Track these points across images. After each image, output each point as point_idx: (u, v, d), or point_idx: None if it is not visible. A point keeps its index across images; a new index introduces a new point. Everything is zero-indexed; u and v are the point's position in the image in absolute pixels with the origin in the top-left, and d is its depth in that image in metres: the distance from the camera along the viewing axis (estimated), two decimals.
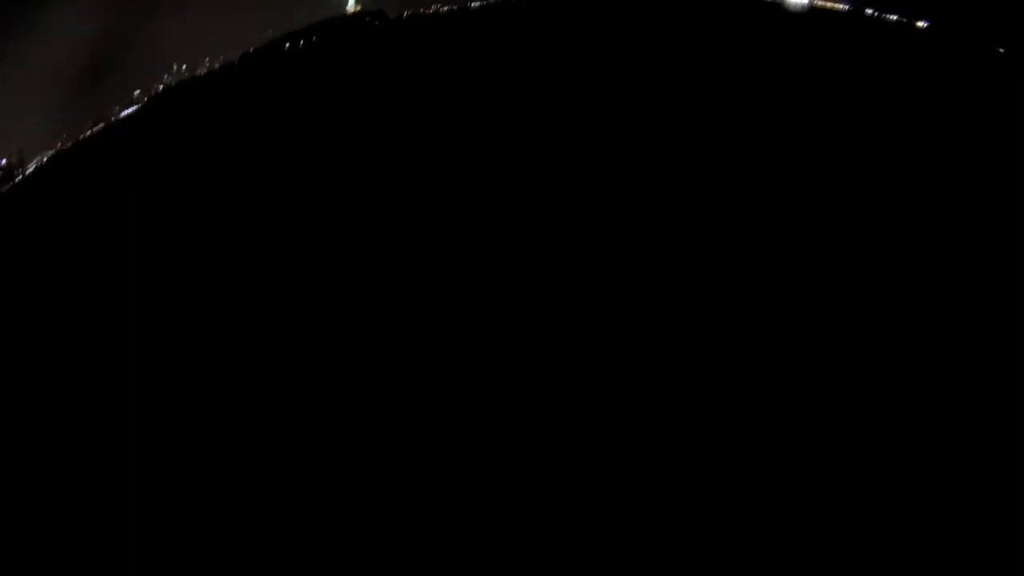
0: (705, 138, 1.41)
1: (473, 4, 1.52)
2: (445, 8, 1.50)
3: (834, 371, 1.24)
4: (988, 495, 1.11)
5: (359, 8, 1.49)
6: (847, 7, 1.55)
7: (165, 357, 1.29)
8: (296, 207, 1.37)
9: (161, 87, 1.58)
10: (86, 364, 1.28)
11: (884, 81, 1.48)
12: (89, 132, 1.55)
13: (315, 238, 1.35)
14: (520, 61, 1.46)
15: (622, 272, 1.31)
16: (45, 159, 1.44)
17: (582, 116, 1.38)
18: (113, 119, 1.55)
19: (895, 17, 1.56)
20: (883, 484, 1.12)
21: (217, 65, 1.57)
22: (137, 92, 1.62)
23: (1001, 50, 1.49)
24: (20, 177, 1.43)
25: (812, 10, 1.58)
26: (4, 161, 1.45)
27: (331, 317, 1.30)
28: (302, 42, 1.54)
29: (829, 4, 1.56)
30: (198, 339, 1.30)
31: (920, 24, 1.56)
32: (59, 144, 1.47)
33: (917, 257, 1.30)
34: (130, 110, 1.60)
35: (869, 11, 1.56)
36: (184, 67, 1.57)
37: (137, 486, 1.16)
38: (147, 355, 1.27)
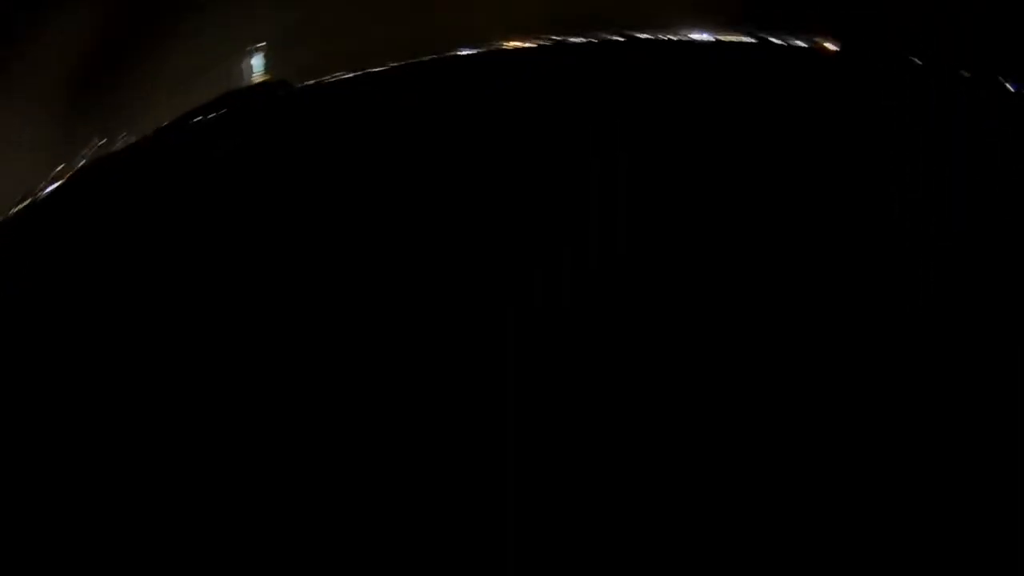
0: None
1: (376, 70, 1.53)
2: (347, 75, 1.51)
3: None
4: (988, 495, 1.13)
5: (265, 77, 1.50)
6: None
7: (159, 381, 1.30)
8: (210, 279, 1.39)
9: (80, 164, 1.59)
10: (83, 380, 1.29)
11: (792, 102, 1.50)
12: (17, 207, 1.56)
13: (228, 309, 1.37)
14: (432, 120, 1.48)
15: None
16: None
17: (489, 184, 1.40)
18: (37, 193, 1.56)
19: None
20: (883, 484, 1.14)
21: (132, 139, 1.58)
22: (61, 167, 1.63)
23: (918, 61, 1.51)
24: None
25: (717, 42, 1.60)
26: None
27: None
28: (212, 114, 1.55)
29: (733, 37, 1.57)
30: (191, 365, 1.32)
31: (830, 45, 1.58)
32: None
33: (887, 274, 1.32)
34: (52, 186, 1.61)
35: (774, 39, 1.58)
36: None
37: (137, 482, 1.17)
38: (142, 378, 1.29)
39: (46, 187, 1.61)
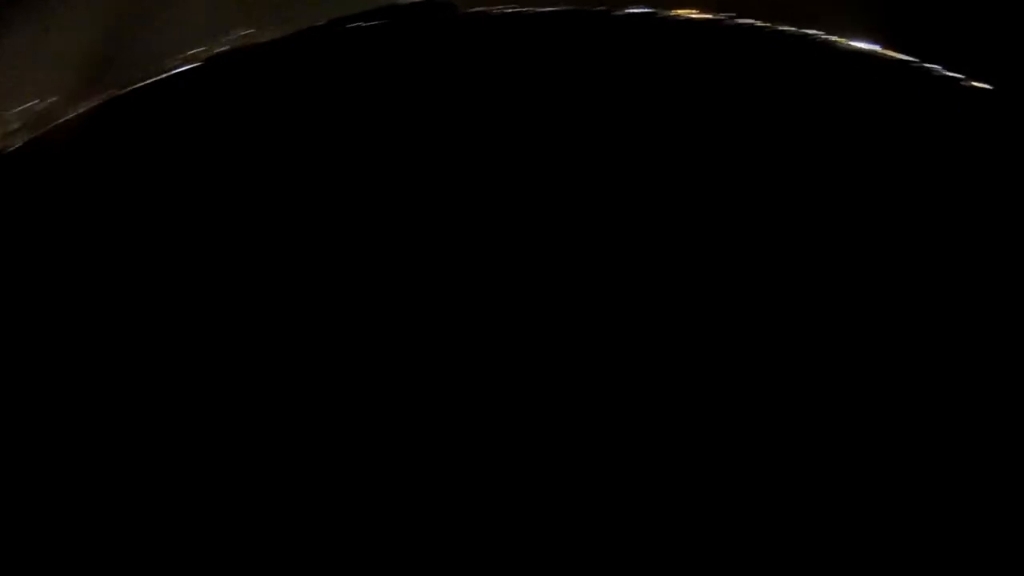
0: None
1: (543, 9, 1.52)
2: (513, 9, 1.50)
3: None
4: (988, 495, 1.13)
5: None
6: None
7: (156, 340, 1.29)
8: (328, 191, 1.38)
9: (224, 49, 1.58)
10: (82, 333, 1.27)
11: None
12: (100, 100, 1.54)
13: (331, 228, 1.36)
14: (581, 67, 1.47)
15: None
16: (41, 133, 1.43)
17: (631, 127, 1.39)
18: (127, 90, 1.55)
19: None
20: (883, 484, 1.13)
21: (276, 36, 1.56)
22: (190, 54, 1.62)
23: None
24: (10, 151, 1.42)
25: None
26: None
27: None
28: (367, 23, 1.54)
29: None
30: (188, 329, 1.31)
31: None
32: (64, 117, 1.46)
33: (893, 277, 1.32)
34: (188, 66, 1.60)
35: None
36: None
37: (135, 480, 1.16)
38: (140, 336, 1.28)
39: (181, 65, 1.60)
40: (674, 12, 1.48)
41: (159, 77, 1.50)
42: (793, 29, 1.50)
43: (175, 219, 1.36)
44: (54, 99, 1.49)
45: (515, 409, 1.19)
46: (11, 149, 1.44)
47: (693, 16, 1.49)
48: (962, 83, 1.51)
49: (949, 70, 1.51)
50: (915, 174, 1.43)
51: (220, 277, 1.33)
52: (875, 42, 1.56)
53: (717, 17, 1.49)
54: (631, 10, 1.48)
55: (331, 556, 1.13)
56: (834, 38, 1.53)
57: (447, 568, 1.12)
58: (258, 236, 1.34)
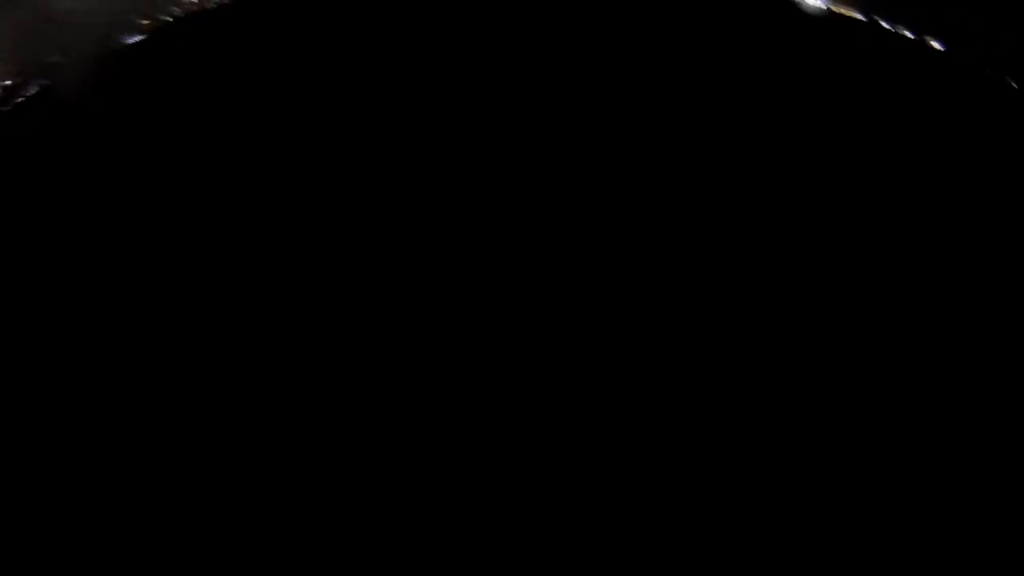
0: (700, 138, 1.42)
1: None
2: None
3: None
4: (988, 495, 1.14)
5: None
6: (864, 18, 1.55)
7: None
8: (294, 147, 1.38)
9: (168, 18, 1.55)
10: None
11: (891, 95, 1.49)
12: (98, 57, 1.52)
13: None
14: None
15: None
16: (47, 83, 1.41)
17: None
18: (117, 47, 1.52)
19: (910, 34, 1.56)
20: (883, 484, 1.14)
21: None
22: (144, 21, 1.60)
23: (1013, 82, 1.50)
24: (21, 100, 1.40)
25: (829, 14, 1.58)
26: (8, 83, 1.42)
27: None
28: None
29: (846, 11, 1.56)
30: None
31: (935, 44, 1.57)
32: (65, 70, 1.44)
33: (912, 266, 1.32)
34: (135, 39, 1.58)
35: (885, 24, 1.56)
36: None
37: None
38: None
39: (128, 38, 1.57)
40: None
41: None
42: None
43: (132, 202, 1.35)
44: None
45: (513, 406, 1.20)
46: None
47: None
48: (914, 42, 1.52)
49: (901, 29, 1.52)
50: (868, 131, 1.44)
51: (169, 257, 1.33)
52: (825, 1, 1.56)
53: None
54: None
55: (331, 553, 1.14)
56: None
57: (447, 567, 1.13)
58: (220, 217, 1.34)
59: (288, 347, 1.25)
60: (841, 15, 1.57)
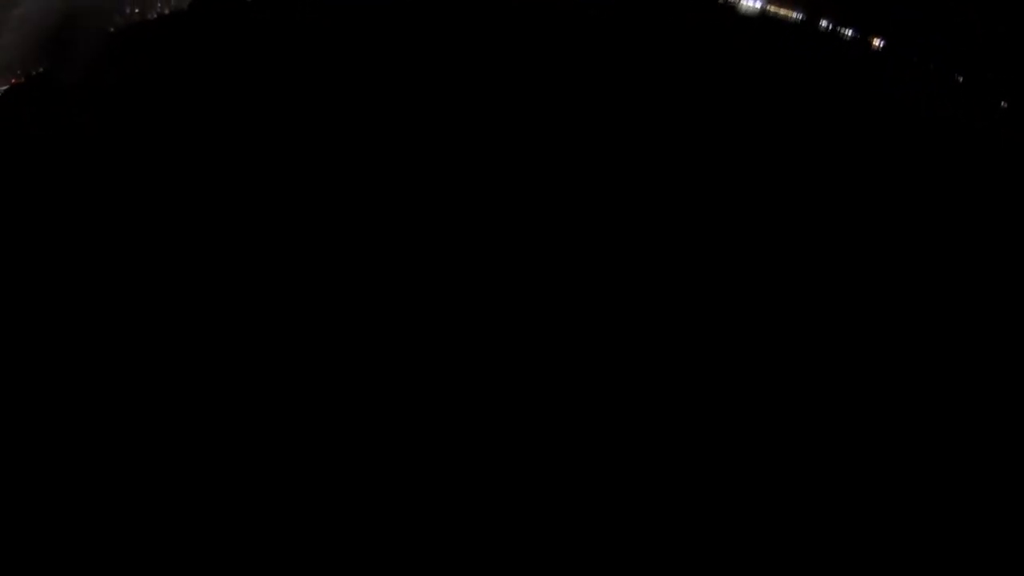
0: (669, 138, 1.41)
1: None
2: None
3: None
4: (988, 495, 1.14)
5: None
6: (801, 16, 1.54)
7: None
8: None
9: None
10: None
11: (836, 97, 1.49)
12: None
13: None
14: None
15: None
16: None
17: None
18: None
19: (851, 31, 1.57)
20: (883, 484, 1.14)
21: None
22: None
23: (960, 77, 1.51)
24: None
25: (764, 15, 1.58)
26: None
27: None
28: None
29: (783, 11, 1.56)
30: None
31: (876, 40, 1.57)
32: None
33: (902, 269, 1.32)
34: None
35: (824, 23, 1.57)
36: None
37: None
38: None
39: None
40: None
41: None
42: None
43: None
44: None
45: (512, 406, 1.19)
46: None
47: None
48: (855, 40, 1.52)
49: (839, 27, 1.51)
50: (811, 128, 1.44)
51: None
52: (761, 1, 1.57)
53: None
54: None
55: (330, 553, 1.12)
56: None
57: (447, 567, 1.12)
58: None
59: (285, 344, 1.25)
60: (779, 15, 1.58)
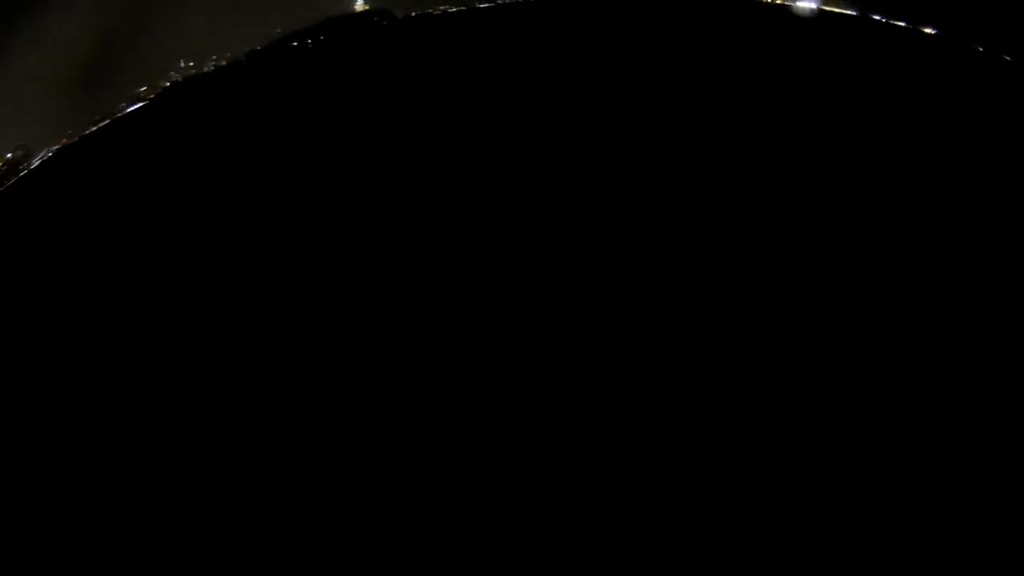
0: (706, 140, 1.41)
1: (481, 4, 1.51)
2: (454, 8, 1.50)
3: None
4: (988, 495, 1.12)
5: (367, 7, 1.49)
6: (855, 13, 1.54)
7: (166, 356, 1.29)
8: (298, 205, 1.38)
9: (167, 83, 1.57)
10: (86, 361, 1.27)
11: (890, 86, 1.49)
12: (94, 127, 1.54)
13: (318, 237, 1.36)
14: (529, 62, 1.46)
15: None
16: (50, 154, 1.43)
17: (592, 120, 1.38)
18: (118, 114, 1.55)
19: (903, 23, 1.56)
20: (882, 484, 1.13)
21: (223, 62, 1.56)
22: (143, 88, 1.62)
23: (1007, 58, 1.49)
24: (24, 172, 1.42)
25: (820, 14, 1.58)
26: (9, 156, 1.44)
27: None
28: (309, 40, 1.54)
29: (837, 9, 1.56)
30: (199, 340, 1.31)
31: (928, 30, 1.56)
32: (64, 139, 1.46)
33: (918, 262, 1.31)
34: (136, 105, 1.60)
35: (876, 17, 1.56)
36: (191, 64, 1.58)
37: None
38: (147, 354, 1.28)
39: (128, 105, 1.60)
40: None
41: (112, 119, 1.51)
42: None
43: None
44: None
45: (512, 408, 1.19)
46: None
47: None
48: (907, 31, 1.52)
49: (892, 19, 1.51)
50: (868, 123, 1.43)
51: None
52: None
53: None
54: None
55: (331, 555, 1.13)
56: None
57: (447, 567, 1.12)
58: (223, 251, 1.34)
59: (282, 349, 1.26)
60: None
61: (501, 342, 1.27)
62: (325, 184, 1.41)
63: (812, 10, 1.58)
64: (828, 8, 1.59)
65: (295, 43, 1.51)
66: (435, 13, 1.48)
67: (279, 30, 1.49)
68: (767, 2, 1.56)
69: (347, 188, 1.40)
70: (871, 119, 1.46)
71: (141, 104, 1.60)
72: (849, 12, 1.59)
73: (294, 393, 1.25)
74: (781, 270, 1.31)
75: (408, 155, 1.42)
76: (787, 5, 1.57)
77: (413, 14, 1.50)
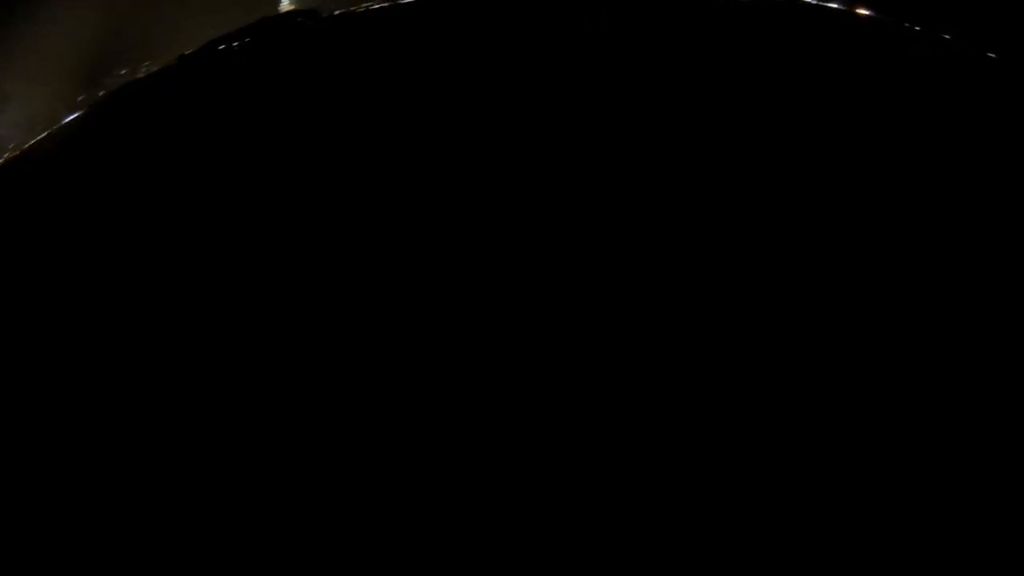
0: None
1: (403, 1, 1.52)
2: (376, 6, 1.50)
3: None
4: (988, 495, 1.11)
5: (292, 7, 1.49)
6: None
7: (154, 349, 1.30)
8: (232, 206, 1.39)
9: (101, 92, 1.58)
10: (79, 354, 1.28)
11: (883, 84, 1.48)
12: (35, 140, 1.56)
13: (256, 240, 1.37)
14: (452, 57, 1.46)
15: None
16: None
17: (519, 110, 1.38)
18: (62, 123, 1.56)
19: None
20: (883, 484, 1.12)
21: (155, 68, 1.57)
22: (81, 98, 1.63)
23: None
24: None
25: None
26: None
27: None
28: (235, 43, 1.54)
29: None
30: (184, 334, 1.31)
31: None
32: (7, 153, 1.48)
33: (906, 257, 1.30)
34: (76, 114, 1.60)
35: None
36: (124, 72, 1.59)
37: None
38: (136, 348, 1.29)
39: (69, 115, 1.60)
40: None
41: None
42: None
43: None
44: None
45: (512, 407, 1.19)
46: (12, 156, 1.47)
47: None
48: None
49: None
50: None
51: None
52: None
53: None
54: None
55: (331, 554, 1.13)
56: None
57: (446, 567, 1.12)
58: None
59: (284, 348, 1.26)
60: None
61: (493, 339, 1.26)
62: (258, 179, 1.41)
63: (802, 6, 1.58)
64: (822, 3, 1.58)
65: (222, 46, 1.51)
66: (358, 11, 1.48)
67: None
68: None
69: (278, 182, 1.41)
70: (859, 113, 1.45)
71: (79, 114, 1.61)
72: (839, 7, 1.57)
73: (282, 380, 1.24)
74: (776, 267, 1.31)
75: (337, 150, 1.42)
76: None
77: (337, 13, 1.50)
